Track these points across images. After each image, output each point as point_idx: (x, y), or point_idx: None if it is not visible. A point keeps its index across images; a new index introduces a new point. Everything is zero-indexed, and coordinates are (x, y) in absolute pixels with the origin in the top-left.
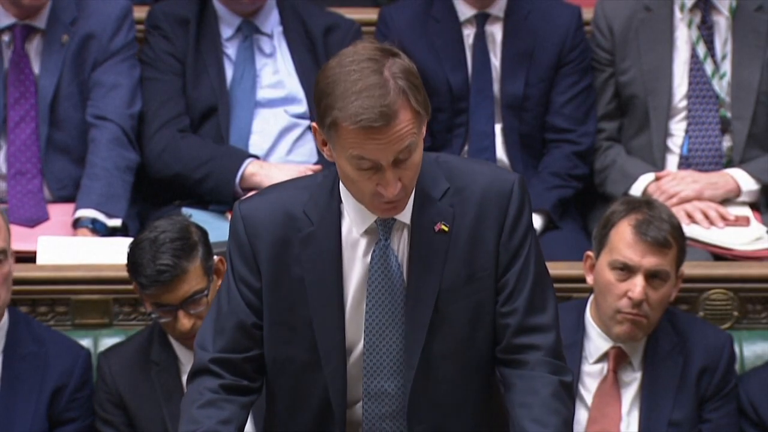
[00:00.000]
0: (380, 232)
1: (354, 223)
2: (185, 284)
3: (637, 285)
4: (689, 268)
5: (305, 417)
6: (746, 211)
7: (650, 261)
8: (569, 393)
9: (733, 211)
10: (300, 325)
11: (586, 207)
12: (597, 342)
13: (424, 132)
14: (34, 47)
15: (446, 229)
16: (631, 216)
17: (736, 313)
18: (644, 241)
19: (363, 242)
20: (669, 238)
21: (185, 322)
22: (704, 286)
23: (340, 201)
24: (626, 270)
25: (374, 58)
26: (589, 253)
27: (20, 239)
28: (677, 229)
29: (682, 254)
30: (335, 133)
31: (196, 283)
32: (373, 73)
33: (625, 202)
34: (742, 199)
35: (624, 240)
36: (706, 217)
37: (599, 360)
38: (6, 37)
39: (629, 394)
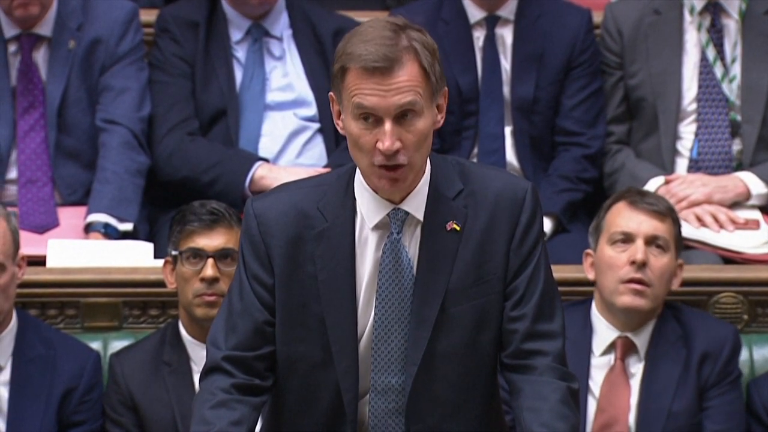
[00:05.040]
0: (392, 226)
1: (366, 217)
2: (224, 236)
3: (638, 249)
4: (699, 271)
5: (315, 415)
6: (756, 215)
7: (648, 226)
8: (576, 400)
9: (743, 214)
10: (312, 323)
11: (596, 210)
12: (604, 334)
13: (438, 111)
14: (41, 55)
15: (458, 228)
16: (624, 197)
17: (745, 317)
18: (640, 208)
19: (375, 237)
20: (663, 209)
21: (210, 271)
22: (714, 290)
23: (354, 198)
24: (626, 240)
25: (397, 23)
26: (589, 251)
27: (30, 243)
28: (671, 209)
29: (678, 232)
30: (342, 83)
31: (234, 243)
32: (390, 31)
33: (617, 192)
34: (751, 202)
35: (620, 214)
36: (716, 220)
37: (606, 351)
38: (12, 47)
39: (638, 383)
